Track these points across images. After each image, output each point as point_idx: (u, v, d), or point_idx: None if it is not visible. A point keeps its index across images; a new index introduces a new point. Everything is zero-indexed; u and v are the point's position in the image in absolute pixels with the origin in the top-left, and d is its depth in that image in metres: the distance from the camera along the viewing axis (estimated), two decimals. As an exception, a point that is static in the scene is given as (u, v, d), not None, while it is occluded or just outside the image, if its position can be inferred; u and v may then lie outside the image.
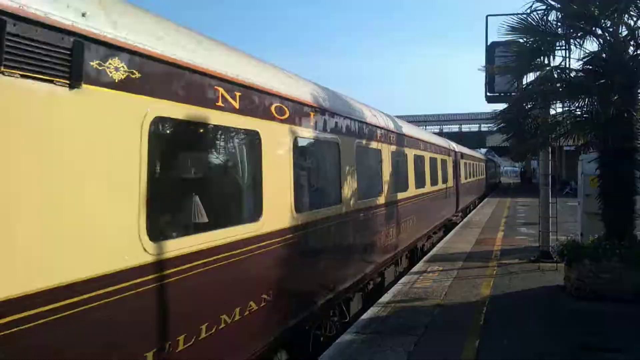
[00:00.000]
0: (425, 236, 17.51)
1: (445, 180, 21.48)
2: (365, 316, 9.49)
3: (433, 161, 18.71)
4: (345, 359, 7.32)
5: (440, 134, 55.49)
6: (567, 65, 11.18)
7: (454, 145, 26.85)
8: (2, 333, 3.28)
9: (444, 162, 21.53)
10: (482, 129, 76.18)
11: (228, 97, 5.75)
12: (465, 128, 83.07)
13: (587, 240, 11.39)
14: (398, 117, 15.89)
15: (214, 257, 5.36)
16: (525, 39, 11.07)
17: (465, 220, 26.55)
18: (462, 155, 28.88)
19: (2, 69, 3.31)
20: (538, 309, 9.75)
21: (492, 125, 17.60)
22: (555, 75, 11.06)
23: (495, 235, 19.82)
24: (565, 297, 10.49)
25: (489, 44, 15.23)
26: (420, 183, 15.91)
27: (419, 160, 15.91)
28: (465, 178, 30.70)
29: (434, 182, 18.54)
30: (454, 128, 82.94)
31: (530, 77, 11.65)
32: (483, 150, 70.04)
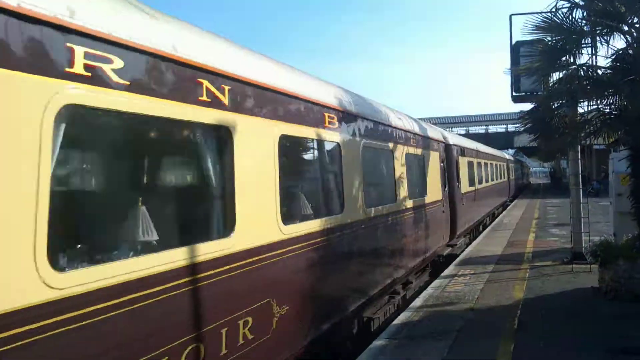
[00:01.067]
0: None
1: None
2: (396, 321, 9.43)
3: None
4: (379, 365, 7.28)
5: (467, 135, 55.08)
6: (594, 63, 11.05)
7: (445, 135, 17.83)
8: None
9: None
10: (509, 130, 75.46)
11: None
12: (492, 129, 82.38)
13: (621, 240, 11.20)
14: (421, 119, 15.99)
15: (148, 292, 4.10)
16: (550, 38, 10.98)
17: (495, 222, 26.28)
18: (463, 151, 19.79)
19: None
20: (573, 312, 9.59)
21: (519, 125, 16.41)
22: (582, 73, 10.92)
23: (527, 237, 19.59)
24: (600, 299, 10.33)
25: (513, 43, 15.11)
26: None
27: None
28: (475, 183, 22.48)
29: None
30: (480, 129, 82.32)
31: (556, 76, 11.54)
32: (511, 151, 69.29)
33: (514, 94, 15.53)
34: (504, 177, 36.33)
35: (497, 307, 10.07)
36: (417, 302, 10.72)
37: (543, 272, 12.97)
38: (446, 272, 13.87)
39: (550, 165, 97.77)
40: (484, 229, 23.85)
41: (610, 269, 10.30)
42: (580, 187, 14.49)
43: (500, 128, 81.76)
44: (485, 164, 26.38)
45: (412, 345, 8.06)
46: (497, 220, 27.23)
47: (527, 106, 12.66)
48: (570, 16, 10.65)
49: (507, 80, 15.80)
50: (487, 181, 26.19)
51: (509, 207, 35.21)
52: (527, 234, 20.72)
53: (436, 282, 12.52)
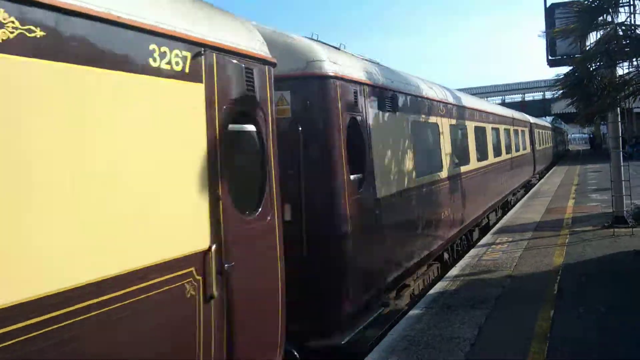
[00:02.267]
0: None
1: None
2: (433, 291, 9.39)
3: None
4: (415, 334, 7.25)
5: (503, 104, 54.14)
6: (633, 21, 10.69)
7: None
8: None
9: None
10: (546, 97, 73.92)
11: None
12: (529, 97, 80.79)
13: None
14: (459, 90, 15.64)
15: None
16: (586, -3, 10.66)
17: (533, 190, 25.88)
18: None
19: None
20: (614, 276, 9.42)
21: (556, 92, 15.50)
22: (620, 33, 10.57)
23: (566, 204, 19.23)
24: (643, 262, 10.12)
25: (548, 5, 14.72)
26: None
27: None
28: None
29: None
30: (517, 98, 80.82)
31: (593, 37, 11.21)
32: (548, 119, 67.97)
33: (549, 57, 15.18)
34: (523, 149, 25.06)
35: (536, 274, 9.93)
36: (454, 271, 10.65)
37: (583, 238, 12.74)
38: (483, 241, 13.76)
39: (589, 130, 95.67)
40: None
41: (653, 231, 10.06)
42: (621, 150, 14.14)
43: (537, 96, 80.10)
44: (479, 128, 15.46)
45: (449, 313, 8.01)
46: (534, 188, 26.78)
47: (564, 70, 12.35)
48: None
49: (543, 44, 15.43)
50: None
51: (547, 175, 34.60)
52: (566, 200, 20.35)
53: (472, 252, 12.41)
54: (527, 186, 26.82)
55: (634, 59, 10.68)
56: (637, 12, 10.70)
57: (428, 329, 7.40)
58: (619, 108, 13.32)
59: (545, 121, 53.31)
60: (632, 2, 10.65)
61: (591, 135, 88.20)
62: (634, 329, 6.92)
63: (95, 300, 3.19)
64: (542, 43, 15.15)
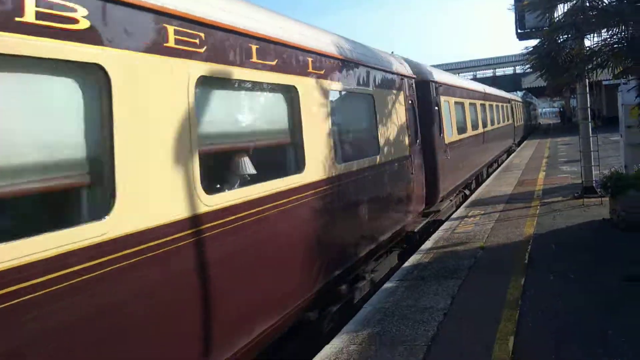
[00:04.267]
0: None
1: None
2: (407, 264, 9.48)
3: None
4: (390, 306, 7.33)
5: (474, 79, 54.41)
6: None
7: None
8: None
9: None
10: (517, 72, 74.38)
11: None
12: (500, 72, 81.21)
13: (632, 172, 11.11)
14: (434, 66, 15.68)
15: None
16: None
17: (504, 164, 26.15)
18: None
19: None
20: (584, 244, 9.60)
21: (526, 66, 15.79)
22: (587, 4, 10.64)
23: (537, 176, 19.48)
24: (611, 230, 10.32)
25: (516, -22, 14.72)
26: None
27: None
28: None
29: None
30: (488, 73, 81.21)
31: (561, 9, 11.26)
32: (519, 93, 68.44)
33: (518, 31, 15.23)
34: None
35: (507, 244, 10.08)
36: (427, 244, 10.75)
37: (554, 208, 12.93)
38: (456, 214, 13.90)
39: (560, 105, 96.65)
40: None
41: (621, 200, 10.24)
42: (589, 121, 14.32)
43: (508, 71, 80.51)
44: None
45: (422, 285, 8.11)
46: (506, 161, 27.09)
47: (533, 43, 12.38)
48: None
49: (512, 18, 15.45)
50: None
51: (519, 149, 34.98)
52: (537, 172, 20.60)
53: (446, 225, 12.54)
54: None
55: (601, 30, 10.76)
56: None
57: (402, 301, 7.48)
58: (587, 80, 13.47)
59: (517, 95, 53.73)
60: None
61: (561, 109, 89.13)
62: (599, 293, 7.09)
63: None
64: (512, 17, 15.18)
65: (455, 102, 16.61)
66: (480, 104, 22.09)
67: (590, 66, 11.13)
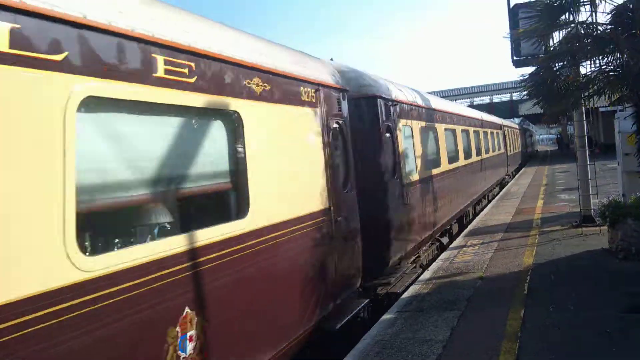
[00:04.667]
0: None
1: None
2: (405, 295, 9.35)
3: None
4: (389, 338, 7.21)
5: (471, 106, 54.63)
6: (594, 20, 10.80)
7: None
8: None
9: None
10: (514, 98, 74.78)
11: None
12: (497, 99, 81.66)
13: (630, 200, 11.04)
14: (430, 93, 15.60)
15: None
16: (548, -4, 10.74)
17: (503, 191, 26.08)
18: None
19: None
20: (583, 274, 9.48)
21: (522, 93, 15.64)
22: (582, 32, 10.68)
23: (535, 204, 19.40)
24: (610, 260, 10.20)
25: (511, 6, 14.84)
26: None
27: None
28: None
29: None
30: (485, 100, 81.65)
31: (557, 36, 11.29)
32: (517, 120, 68.71)
33: (514, 58, 15.28)
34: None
35: (506, 275, 9.96)
36: (426, 274, 10.64)
37: (552, 237, 12.83)
38: (454, 243, 13.79)
39: (557, 131, 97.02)
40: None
41: (619, 228, 10.16)
42: (587, 149, 14.30)
43: (505, 97, 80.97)
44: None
45: (421, 316, 7.99)
46: (504, 189, 27.01)
47: (529, 70, 12.40)
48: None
49: (508, 45, 15.52)
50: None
51: (517, 176, 34.95)
52: (535, 200, 20.53)
53: (444, 254, 12.44)
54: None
55: (596, 57, 10.77)
56: (598, 10, 10.79)
57: (401, 332, 7.38)
58: (583, 107, 13.47)
59: (514, 122, 53.88)
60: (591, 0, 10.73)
61: (558, 136, 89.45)
62: (599, 324, 6.95)
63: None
64: (509, 44, 15.24)
65: (423, 128, 12.81)
66: (463, 130, 18.19)
67: (586, 94, 11.13)
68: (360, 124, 9.32)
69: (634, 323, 6.92)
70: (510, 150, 34.62)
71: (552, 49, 11.43)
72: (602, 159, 24.80)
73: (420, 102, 13.19)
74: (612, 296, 8.00)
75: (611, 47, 10.11)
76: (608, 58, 10.45)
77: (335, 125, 7.94)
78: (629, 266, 9.54)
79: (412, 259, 11.43)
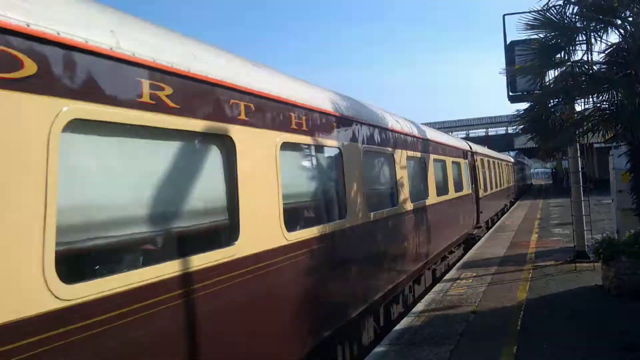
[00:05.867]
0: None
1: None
2: (398, 327, 9.30)
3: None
4: (380, 372, 7.15)
5: (467, 138, 54.88)
6: (589, 59, 10.93)
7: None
8: None
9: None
10: (510, 132, 75.24)
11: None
12: (492, 131, 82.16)
13: (624, 237, 11.07)
14: (424, 124, 15.52)
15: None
16: (544, 35, 10.87)
17: (497, 224, 26.10)
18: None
19: None
20: (577, 311, 9.45)
21: (516, 127, 15.55)
22: (577, 70, 10.80)
23: (529, 238, 19.41)
24: (604, 297, 10.19)
25: (507, 43, 15.01)
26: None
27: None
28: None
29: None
30: (480, 132, 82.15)
31: (552, 74, 11.41)
32: (512, 153, 69.05)
33: (510, 94, 15.38)
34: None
35: (499, 309, 9.92)
36: (419, 306, 10.59)
37: (546, 272, 12.82)
38: (448, 275, 13.77)
39: (552, 165, 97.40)
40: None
41: (613, 266, 10.16)
42: (581, 185, 14.37)
43: (501, 130, 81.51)
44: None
45: (413, 350, 7.93)
46: (499, 222, 27.05)
47: (524, 106, 12.49)
48: (563, 13, 10.54)
49: (504, 80, 15.63)
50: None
51: (511, 210, 35.03)
52: (529, 234, 20.55)
53: (438, 287, 12.40)
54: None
55: (591, 96, 10.87)
56: (593, 50, 10.93)
57: (392, 367, 7.32)
58: (578, 143, 13.56)
59: (509, 155, 54.10)
60: (587, 40, 10.87)
61: (553, 170, 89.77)
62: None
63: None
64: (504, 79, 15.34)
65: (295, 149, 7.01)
66: (409, 157, 11.64)
67: (580, 130, 11.21)
68: None
69: (628, 362, 6.90)
70: (492, 188, 26.84)
71: (547, 86, 11.55)
72: (597, 194, 24.89)
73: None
74: (607, 334, 7.98)
75: (606, 85, 10.22)
76: (603, 96, 10.55)
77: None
78: (622, 304, 9.53)
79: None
